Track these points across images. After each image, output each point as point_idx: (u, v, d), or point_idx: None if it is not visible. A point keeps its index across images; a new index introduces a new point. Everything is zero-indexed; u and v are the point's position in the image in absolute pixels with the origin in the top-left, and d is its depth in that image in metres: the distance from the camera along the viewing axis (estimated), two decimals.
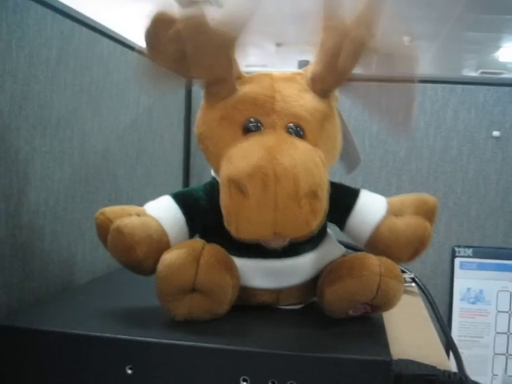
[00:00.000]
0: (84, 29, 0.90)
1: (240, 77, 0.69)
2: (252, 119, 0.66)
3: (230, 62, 0.66)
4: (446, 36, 5.61)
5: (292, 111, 0.66)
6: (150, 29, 0.63)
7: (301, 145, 0.62)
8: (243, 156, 0.60)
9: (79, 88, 0.89)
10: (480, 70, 6.80)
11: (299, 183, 0.57)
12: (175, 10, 0.62)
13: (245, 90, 0.68)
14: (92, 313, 0.68)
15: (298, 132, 0.66)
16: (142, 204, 0.72)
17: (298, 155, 0.59)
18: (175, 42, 0.62)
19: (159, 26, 0.62)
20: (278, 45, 5.89)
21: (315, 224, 0.59)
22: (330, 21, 0.64)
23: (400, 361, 0.61)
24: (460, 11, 4.80)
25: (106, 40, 0.97)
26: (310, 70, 0.69)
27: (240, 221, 0.58)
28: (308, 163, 0.59)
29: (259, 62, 5.13)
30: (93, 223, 0.69)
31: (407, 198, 0.73)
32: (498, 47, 6.01)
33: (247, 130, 0.65)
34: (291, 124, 0.66)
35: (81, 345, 0.61)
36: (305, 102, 0.67)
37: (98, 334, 0.61)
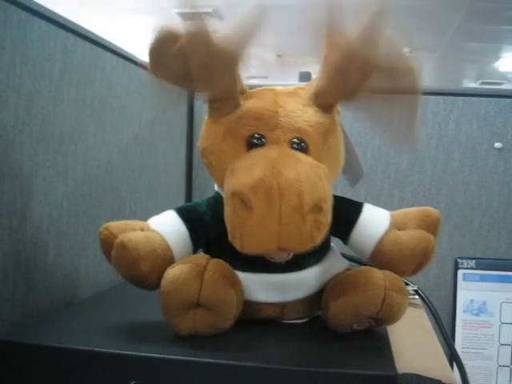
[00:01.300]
0: (87, 43, 0.90)
1: (243, 92, 0.69)
2: (256, 134, 0.66)
3: (234, 78, 0.66)
4: (445, 46, 5.62)
5: (296, 126, 0.66)
6: (154, 45, 0.63)
7: (305, 159, 0.62)
8: (247, 169, 0.60)
9: (82, 102, 0.89)
10: (480, 80, 6.81)
11: (304, 197, 0.57)
12: (179, 24, 0.62)
13: (248, 105, 0.68)
14: (96, 328, 0.68)
15: (302, 147, 0.66)
16: (145, 217, 0.72)
17: (302, 169, 0.59)
18: (179, 58, 0.62)
19: (163, 42, 0.62)
20: (279, 56, 5.90)
21: (319, 238, 0.59)
22: (334, 36, 0.64)
23: (405, 375, 0.60)
24: (459, 22, 4.81)
25: (108, 54, 0.97)
26: (313, 84, 0.69)
27: (244, 235, 0.58)
28: (312, 177, 0.59)
29: (260, 74, 5.13)
30: (96, 237, 0.69)
31: (410, 212, 0.73)
32: (497, 57, 6.01)
33: (251, 145, 0.66)
34: (295, 139, 0.66)
35: (85, 361, 0.60)
36: (308, 116, 0.67)
37: (102, 349, 0.61)
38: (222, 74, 0.64)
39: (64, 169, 0.84)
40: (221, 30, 0.63)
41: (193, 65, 0.63)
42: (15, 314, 0.74)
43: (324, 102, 0.69)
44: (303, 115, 0.67)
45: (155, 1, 4.17)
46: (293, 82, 0.83)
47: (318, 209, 0.58)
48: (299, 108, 0.68)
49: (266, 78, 5.71)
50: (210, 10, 4.09)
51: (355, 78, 0.65)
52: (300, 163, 0.60)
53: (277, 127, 0.66)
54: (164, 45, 0.62)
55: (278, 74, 6.31)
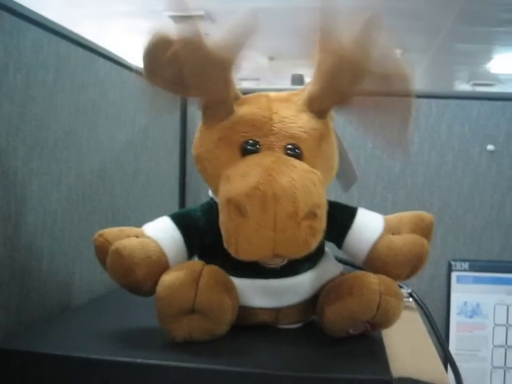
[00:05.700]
0: (80, 49, 0.90)
1: (237, 98, 0.69)
2: (250, 140, 0.66)
3: (227, 84, 0.66)
4: (437, 48, 5.63)
5: (290, 132, 0.66)
6: (147, 51, 0.63)
7: (299, 165, 0.62)
8: (242, 176, 0.60)
9: (75, 108, 0.89)
10: (472, 82, 6.82)
11: (298, 204, 0.57)
12: (172, 29, 0.62)
13: (242, 111, 0.68)
14: (91, 334, 0.68)
15: (296, 153, 0.66)
16: (139, 222, 0.72)
17: (297, 176, 0.59)
18: (173, 64, 0.62)
19: (157, 48, 0.62)
20: (271, 58, 5.90)
21: (314, 244, 0.60)
22: (327, 42, 0.64)
23: (400, 379, 0.61)
24: (451, 23, 4.82)
25: (101, 60, 0.97)
26: (306, 90, 0.69)
27: (239, 241, 0.59)
28: (307, 184, 0.59)
29: (252, 76, 5.13)
30: (90, 243, 0.69)
31: (404, 216, 0.74)
32: (489, 59, 6.03)
33: (245, 152, 0.66)
34: (289, 145, 0.66)
35: (80, 368, 0.60)
36: (302, 122, 0.68)
37: (97, 356, 0.61)
38: (216, 79, 0.64)
39: (58, 175, 0.84)
40: (213, 33, 0.63)
41: (186, 71, 0.63)
42: (10, 321, 0.73)
43: (317, 107, 0.69)
44: (297, 121, 0.68)
45: (147, 4, 4.17)
46: (285, 86, 0.83)
47: (312, 215, 0.59)
48: (293, 114, 0.68)
49: (258, 80, 5.71)
50: (202, 12, 4.09)
51: (348, 83, 0.65)
52: (295, 170, 0.61)
53: (271, 133, 0.66)
54: (157, 51, 0.62)
55: (270, 76, 6.31)
